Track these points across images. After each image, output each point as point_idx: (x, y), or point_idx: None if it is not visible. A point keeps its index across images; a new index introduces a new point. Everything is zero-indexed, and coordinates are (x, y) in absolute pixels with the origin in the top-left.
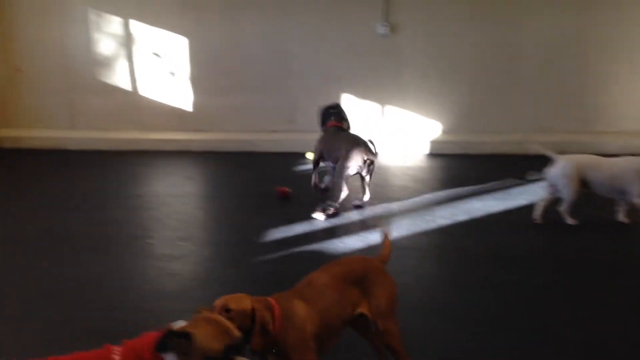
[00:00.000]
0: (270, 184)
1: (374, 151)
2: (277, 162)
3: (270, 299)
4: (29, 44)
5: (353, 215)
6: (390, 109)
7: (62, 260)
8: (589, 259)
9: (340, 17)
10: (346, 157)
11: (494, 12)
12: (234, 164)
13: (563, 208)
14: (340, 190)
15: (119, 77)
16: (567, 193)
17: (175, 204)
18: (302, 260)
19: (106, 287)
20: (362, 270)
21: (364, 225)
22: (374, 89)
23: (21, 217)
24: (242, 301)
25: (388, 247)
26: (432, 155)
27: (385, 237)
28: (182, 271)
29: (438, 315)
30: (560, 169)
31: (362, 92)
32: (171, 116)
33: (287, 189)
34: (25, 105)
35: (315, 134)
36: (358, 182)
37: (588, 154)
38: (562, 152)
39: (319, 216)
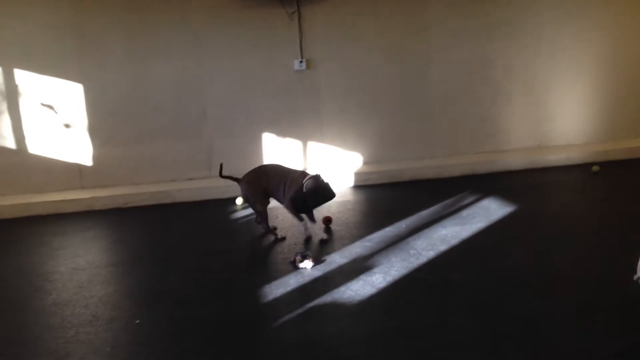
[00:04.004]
0: (212, 237)
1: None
2: (199, 212)
3: None
4: None
5: (337, 259)
6: (312, 145)
7: None
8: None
9: (255, 55)
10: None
11: (404, 45)
12: (154, 219)
13: None
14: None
15: None
16: None
17: (125, 274)
18: (322, 317)
19: None
20: None
21: (357, 268)
22: (294, 125)
23: None
24: None
25: None
26: (358, 187)
27: None
28: (200, 352)
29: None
30: None
31: (282, 129)
32: (67, 173)
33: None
34: None
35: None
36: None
37: (496, 172)
38: (474, 172)
39: (306, 264)
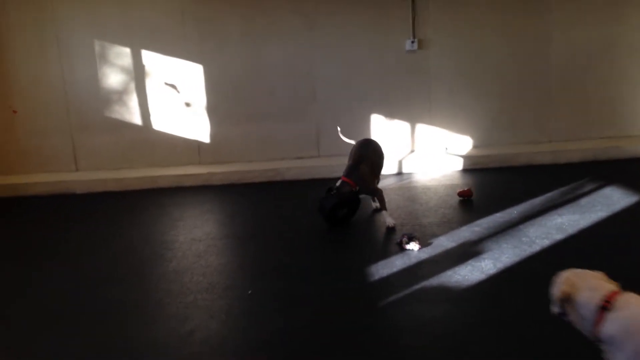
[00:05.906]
0: (319, 215)
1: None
2: (307, 190)
3: None
4: (27, 83)
5: (444, 242)
6: (420, 126)
7: (122, 329)
8: None
9: (366, 36)
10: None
11: (521, 24)
12: (265, 196)
13: None
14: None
15: (127, 112)
16: None
17: (238, 246)
18: (427, 300)
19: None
20: None
21: (466, 252)
22: (402, 106)
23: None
24: None
25: None
26: (467, 170)
27: None
28: (309, 326)
29: None
30: None
31: (391, 110)
32: (188, 149)
33: (467, 191)
34: (23, 149)
35: (341, 158)
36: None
37: (620, 158)
38: (595, 158)
39: (412, 246)
